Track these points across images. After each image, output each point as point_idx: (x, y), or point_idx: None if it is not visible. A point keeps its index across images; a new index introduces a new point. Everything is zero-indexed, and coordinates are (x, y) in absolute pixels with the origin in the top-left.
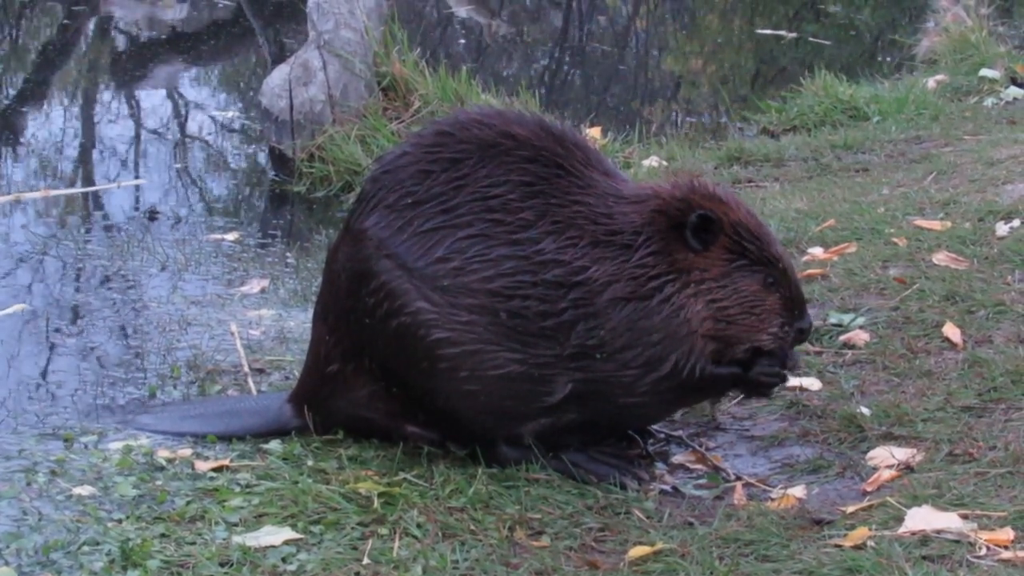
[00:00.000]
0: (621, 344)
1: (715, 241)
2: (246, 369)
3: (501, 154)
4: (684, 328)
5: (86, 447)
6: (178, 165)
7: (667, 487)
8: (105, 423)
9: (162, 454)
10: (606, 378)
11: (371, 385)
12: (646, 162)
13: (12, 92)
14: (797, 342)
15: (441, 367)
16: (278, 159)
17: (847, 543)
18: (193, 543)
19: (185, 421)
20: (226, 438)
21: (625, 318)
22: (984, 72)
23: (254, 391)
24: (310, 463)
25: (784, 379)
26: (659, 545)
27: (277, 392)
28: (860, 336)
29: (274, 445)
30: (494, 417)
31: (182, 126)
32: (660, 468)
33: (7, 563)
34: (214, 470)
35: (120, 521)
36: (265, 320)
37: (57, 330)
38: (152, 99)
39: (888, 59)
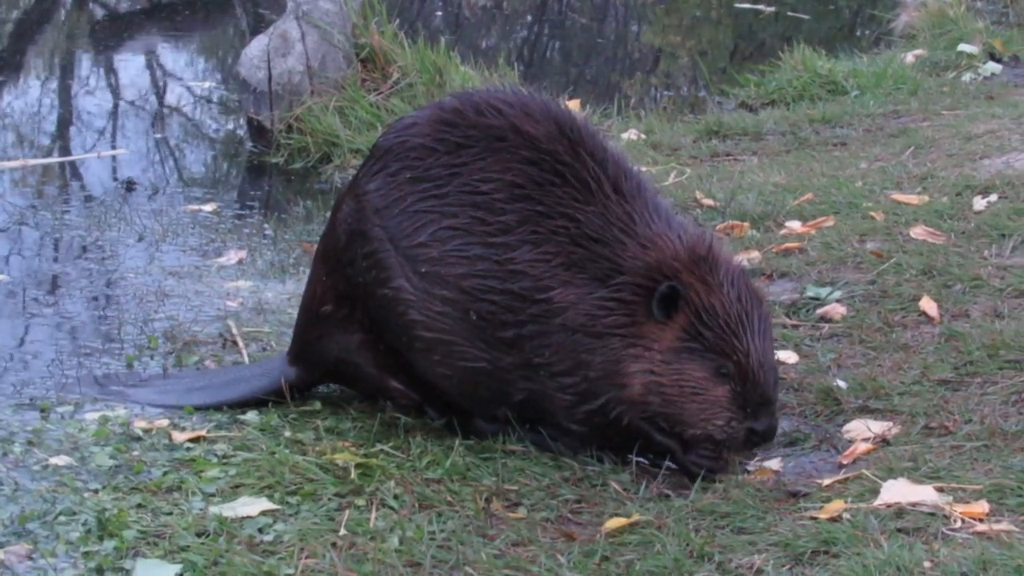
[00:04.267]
0: (563, 368)
1: (675, 316)
2: (241, 343)
3: (503, 149)
4: (618, 379)
5: (63, 417)
6: (156, 136)
7: (644, 459)
8: (90, 394)
9: (139, 424)
10: (549, 396)
11: (362, 333)
12: (625, 135)
13: None
14: (751, 444)
15: (417, 346)
16: (256, 130)
17: (823, 515)
18: (170, 513)
19: (190, 393)
20: (238, 405)
21: (570, 345)
22: (962, 47)
23: (247, 359)
24: (287, 434)
25: (714, 472)
26: (635, 517)
27: (276, 356)
28: (837, 310)
29: (251, 416)
30: (467, 400)
31: (160, 97)
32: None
33: None
34: (191, 441)
35: (96, 491)
36: (242, 291)
37: (34, 300)
38: (130, 69)
39: (866, 33)
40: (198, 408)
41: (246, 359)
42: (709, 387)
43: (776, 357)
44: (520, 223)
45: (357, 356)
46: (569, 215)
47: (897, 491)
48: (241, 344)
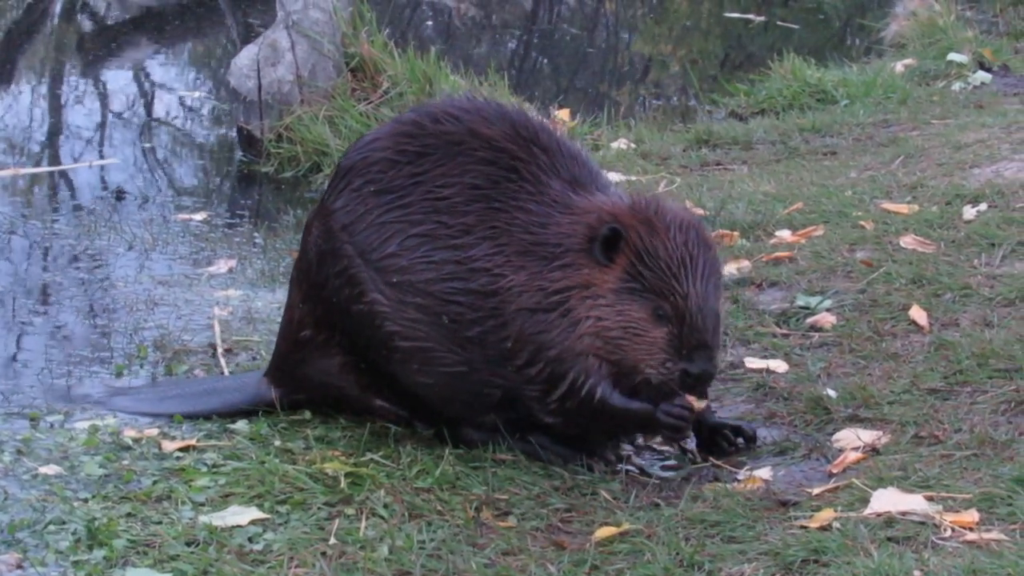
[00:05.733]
0: (525, 358)
1: (617, 258)
2: (220, 351)
3: (461, 153)
4: (578, 344)
5: (52, 427)
6: (146, 145)
7: (634, 468)
8: (77, 404)
9: (128, 434)
10: (520, 390)
11: (342, 356)
12: (615, 144)
13: None
14: (686, 388)
15: (396, 357)
16: (246, 139)
17: (813, 524)
18: (159, 522)
19: (164, 402)
20: (208, 416)
21: (528, 329)
22: (952, 56)
23: (226, 371)
24: (277, 443)
25: (685, 422)
26: (625, 526)
27: (254, 371)
28: (827, 319)
29: (241, 425)
30: (452, 406)
31: (150, 106)
32: (627, 449)
33: None
34: (180, 450)
35: (86, 500)
36: (232, 300)
37: (24, 309)
38: (120, 79)
39: (856, 43)
40: (184, 417)
41: (225, 371)
42: (648, 328)
43: (719, 303)
44: (479, 222)
45: (340, 379)
46: (522, 207)
47: (887, 500)
48: (220, 354)
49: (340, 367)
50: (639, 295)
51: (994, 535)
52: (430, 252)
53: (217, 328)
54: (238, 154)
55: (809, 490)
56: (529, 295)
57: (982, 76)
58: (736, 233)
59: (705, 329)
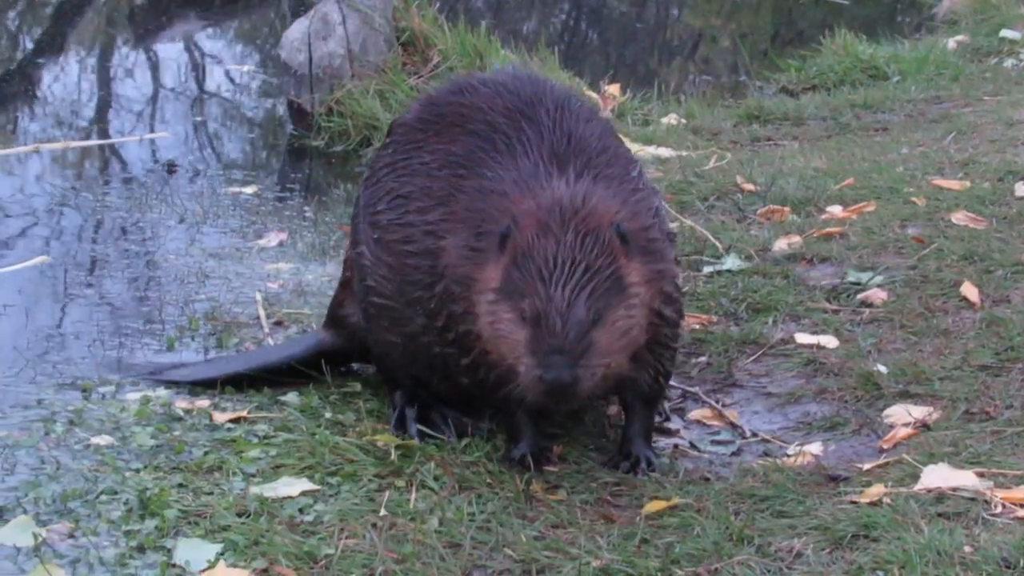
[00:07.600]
0: (442, 321)
1: (503, 257)
2: (266, 330)
3: (458, 124)
4: (474, 335)
5: (104, 397)
6: (196, 118)
7: (684, 442)
8: (130, 376)
9: (180, 405)
10: (449, 356)
11: None
12: (665, 119)
13: (30, 45)
14: (547, 396)
15: (371, 312)
16: (296, 113)
17: (863, 500)
18: (210, 493)
19: (223, 363)
20: (272, 371)
21: (445, 297)
22: (1004, 33)
23: (270, 340)
24: (328, 415)
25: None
26: (675, 500)
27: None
28: (878, 294)
29: (291, 397)
30: (418, 369)
31: (200, 80)
32: (677, 424)
33: (25, 511)
34: (232, 421)
35: (138, 471)
36: (283, 273)
37: (75, 282)
38: (170, 53)
39: (908, 19)
40: (234, 377)
41: (270, 341)
42: (513, 330)
43: (586, 311)
44: (441, 188)
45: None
46: (481, 174)
47: (937, 476)
48: (264, 322)
49: None
50: (510, 296)
51: None
52: (403, 214)
53: (260, 307)
54: (288, 128)
55: (859, 465)
56: (450, 264)
57: None
58: (787, 209)
59: (563, 334)
